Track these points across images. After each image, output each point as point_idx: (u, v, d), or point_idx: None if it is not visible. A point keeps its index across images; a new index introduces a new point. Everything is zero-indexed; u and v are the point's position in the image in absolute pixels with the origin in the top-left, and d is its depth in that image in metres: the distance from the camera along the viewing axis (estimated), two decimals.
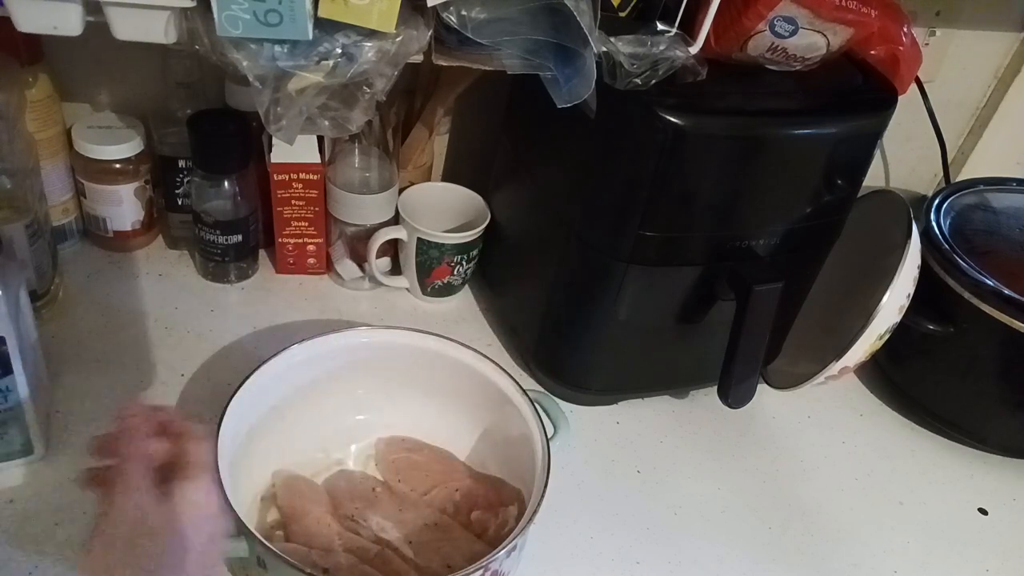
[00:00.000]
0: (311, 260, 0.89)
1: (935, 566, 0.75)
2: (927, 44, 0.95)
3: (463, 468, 0.71)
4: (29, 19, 0.54)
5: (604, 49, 0.58)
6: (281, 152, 0.81)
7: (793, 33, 0.64)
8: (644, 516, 0.73)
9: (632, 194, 0.66)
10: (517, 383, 0.68)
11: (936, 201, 0.90)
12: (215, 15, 0.53)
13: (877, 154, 0.88)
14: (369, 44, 0.56)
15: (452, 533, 0.66)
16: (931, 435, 0.89)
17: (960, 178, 1.03)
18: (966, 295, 0.81)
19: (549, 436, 0.65)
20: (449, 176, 0.97)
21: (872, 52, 0.71)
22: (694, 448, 0.81)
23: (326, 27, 0.55)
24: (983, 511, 0.82)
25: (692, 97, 0.63)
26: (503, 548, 0.56)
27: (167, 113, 0.82)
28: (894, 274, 0.74)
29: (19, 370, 0.60)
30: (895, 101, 0.70)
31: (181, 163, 0.84)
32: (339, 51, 0.56)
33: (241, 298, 0.87)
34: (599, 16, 0.56)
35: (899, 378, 0.91)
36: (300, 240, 0.87)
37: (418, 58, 0.60)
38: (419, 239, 0.85)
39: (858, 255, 0.81)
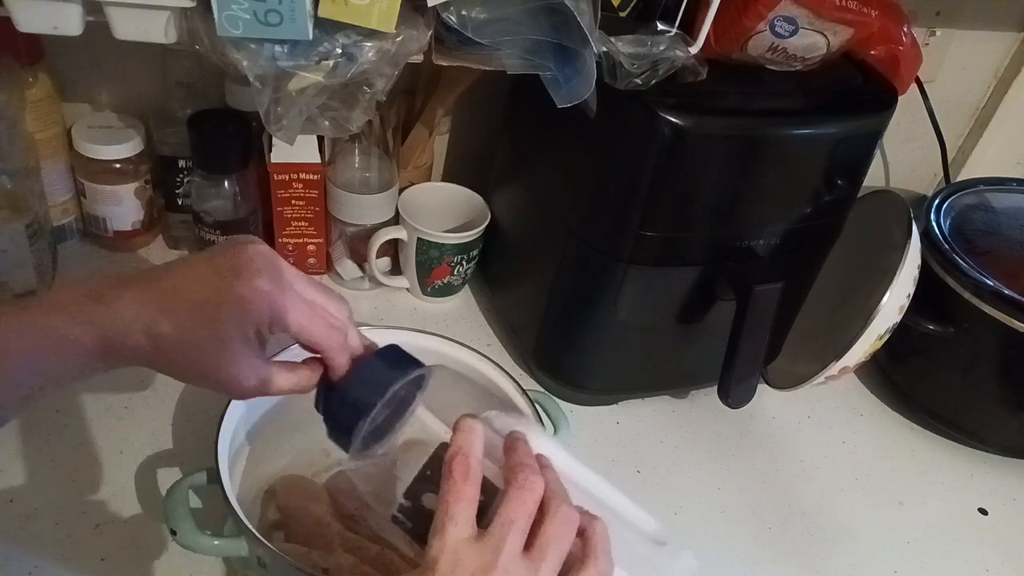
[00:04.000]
0: (311, 260, 0.89)
1: (935, 566, 0.75)
2: (927, 44, 0.95)
3: None
4: (29, 19, 0.54)
5: (604, 49, 0.58)
6: (281, 152, 0.81)
7: (793, 33, 0.64)
8: None
9: (632, 194, 0.66)
10: (517, 383, 0.68)
11: (936, 201, 0.90)
12: (215, 15, 0.53)
13: (877, 154, 0.88)
14: (369, 44, 0.57)
15: None
16: (931, 435, 0.89)
17: (960, 178, 1.03)
18: (966, 295, 0.81)
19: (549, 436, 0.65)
20: (449, 176, 0.97)
21: (872, 52, 0.71)
22: (694, 448, 0.81)
23: (326, 27, 0.55)
24: (983, 511, 0.82)
25: (692, 97, 0.63)
26: None
27: (167, 113, 0.82)
28: (894, 274, 0.74)
29: None
30: (895, 101, 0.70)
31: (181, 163, 0.84)
32: (339, 51, 0.56)
33: None
34: (599, 16, 0.56)
35: (899, 378, 0.91)
36: (300, 240, 0.87)
37: (418, 58, 0.60)
38: (419, 239, 0.85)
39: (858, 255, 0.81)
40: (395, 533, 0.46)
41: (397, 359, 0.47)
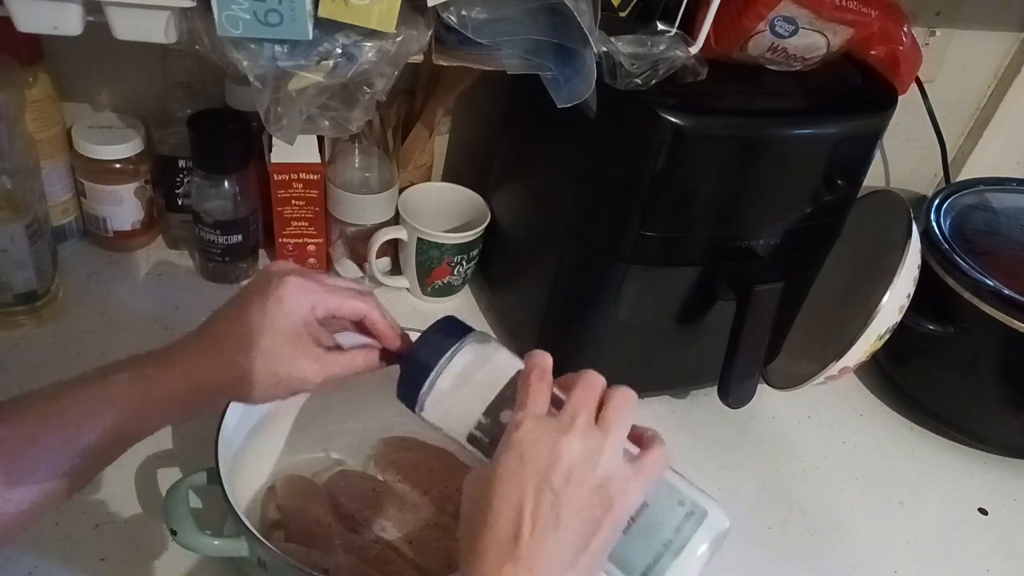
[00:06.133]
0: (311, 260, 0.89)
1: (935, 566, 0.75)
2: (927, 44, 0.95)
3: (463, 467, 0.71)
4: (29, 19, 0.54)
5: (604, 49, 0.58)
6: (281, 152, 0.81)
7: (793, 33, 0.64)
8: None
9: (632, 194, 0.66)
10: None
11: (936, 201, 0.90)
12: (215, 15, 0.53)
13: (877, 154, 0.88)
14: (369, 44, 0.57)
15: (452, 533, 0.66)
16: (931, 435, 0.89)
17: (960, 178, 1.03)
18: (966, 295, 0.81)
19: None
20: (449, 176, 0.97)
21: (872, 52, 0.71)
22: (694, 448, 0.81)
23: (326, 27, 0.55)
24: (983, 511, 0.82)
25: (692, 97, 0.63)
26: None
27: (167, 113, 0.82)
28: (894, 274, 0.74)
29: None
30: (895, 101, 0.70)
31: (181, 163, 0.84)
32: (339, 51, 0.56)
33: None
34: (599, 16, 0.56)
35: (899, 378, 0.91)
36: (300, 240, 0.87)
37: (418, 58, 0.60)
38: (419, 239, 0.85)
39: (858, 255, 0.81)
40: (469, 456, 0.50)
41: (457, 326, 0.53)
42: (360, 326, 0.55)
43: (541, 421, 0.45)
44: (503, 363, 0.51)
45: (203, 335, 0.51)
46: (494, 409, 0.49)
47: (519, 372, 0.49)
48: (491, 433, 0.49)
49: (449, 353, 0.50)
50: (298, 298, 0.50)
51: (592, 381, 0.48)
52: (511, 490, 0.43)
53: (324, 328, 0.54)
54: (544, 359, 0.49)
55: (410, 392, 0.51)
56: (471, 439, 0.50)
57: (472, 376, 0.50)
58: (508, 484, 0.43)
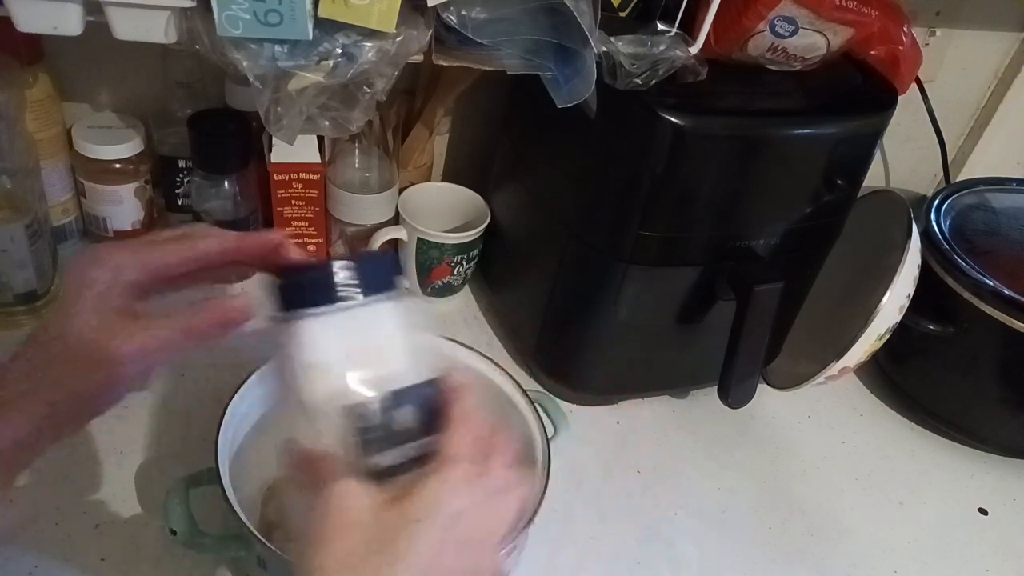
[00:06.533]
0: None
1: (935, 566, 0.75)
2: (927, 44, 0.95)
3: None
4: (29, 19, 0.54)
5: (604, 49, 0.58)
6: (281, 152, 0.81)
7: (793, 33, 0.64)
8: (644, 516, 0.73)
9: (632, 194, 0.66)
10: (517, 383, 0.68)
11: (936, 201, 0.90)
12: (215, 15, 0.53)
13: (877, 154, 0.88)
14: (369, 44, 0.57)
15: None
16: (931, 435, 0.89)
17: (960, 178, 1.03)
18: (966, 295, 0.81)
19: (549, 436, 0.65)
20: (449, 176, 0.97)
21: (872, 52, 0.71)
22: (694, 448, 0.81)
23: (326, 27, 0.55)
24: (983, 511, 0.82)
25: (692, 97, 0.63)
26: (503, 548, 0.56)
27: (167, 113, 0.82)
28: (894, 274, 0.74)
29: None
30: (895, 101, 0.70)
31: (181, 163, 0.84)
32: (339, 51, 0.56)
33: None
34: (599, 16, 0.56)
35: (899, 378, 0.91)
36: (300, 240, 0.87)
37: (418, 58, 0.60)
38: (419, 239, 0.85)
39: (858, 255, 0.81)
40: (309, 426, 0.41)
41: (391, 271, 0.43)
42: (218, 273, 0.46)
43: (473, 482, 0.40)
44: (426, 354, 0.42)
45: (23, 353, 0.43)
46: (395, 403, 0.41)
47: (439, 380, 0.42)
48: (380, 428, 0.40)
49: (366, 290, 0.40)
50: (102, 269, 0.42)
51: (480, 425, 0.42)
52: (423, 548, 0.37)
53: (163, 292, 0.45)
54: (473, 394, 0.42)
55: (289, 301, 0.40)
56: (350, 417, 0.40)
57: (378, 340, 0.41)
58: (424, 544, 0.37)
